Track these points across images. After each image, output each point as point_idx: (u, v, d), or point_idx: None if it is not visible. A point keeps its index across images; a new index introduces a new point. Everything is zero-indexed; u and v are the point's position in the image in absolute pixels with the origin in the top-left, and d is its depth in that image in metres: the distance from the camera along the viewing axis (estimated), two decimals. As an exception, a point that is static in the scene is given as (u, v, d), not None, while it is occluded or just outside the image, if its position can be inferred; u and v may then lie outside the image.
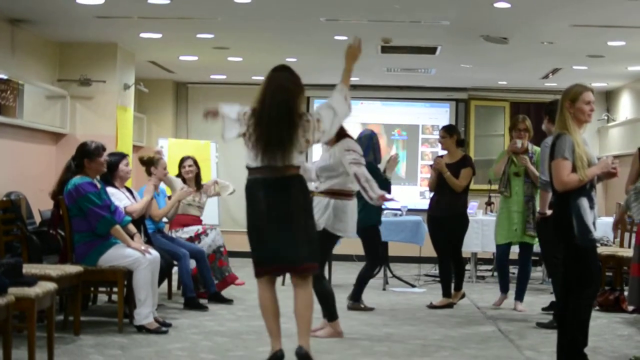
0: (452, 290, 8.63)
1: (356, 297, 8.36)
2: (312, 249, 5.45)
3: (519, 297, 8.45)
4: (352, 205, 6.74)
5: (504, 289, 8.68)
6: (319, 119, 5.44)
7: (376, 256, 8.40)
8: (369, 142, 8.18)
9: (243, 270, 8.88)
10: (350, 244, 9.56)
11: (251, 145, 5.40)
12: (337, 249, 10.59)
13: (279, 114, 5.34)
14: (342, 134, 6.66)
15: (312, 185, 6.71)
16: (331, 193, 6.62)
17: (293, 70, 5.50)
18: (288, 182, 5.38)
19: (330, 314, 6.74)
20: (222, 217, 12.69)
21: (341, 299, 8.81)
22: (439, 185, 8.59)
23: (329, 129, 5.52)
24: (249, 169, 5.46)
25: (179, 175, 8.80)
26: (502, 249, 8.57)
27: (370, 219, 8.12)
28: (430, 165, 9.03)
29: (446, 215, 8.53)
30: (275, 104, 5.35)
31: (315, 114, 5.48)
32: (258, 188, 5.40)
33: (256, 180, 5.42)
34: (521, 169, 8.25)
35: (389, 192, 8.17)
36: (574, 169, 5.25)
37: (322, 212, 6.58)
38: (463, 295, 8.75)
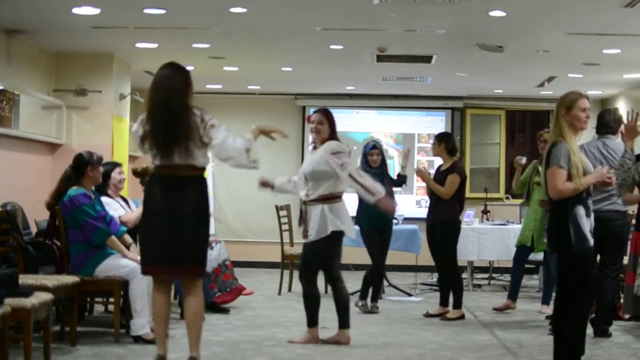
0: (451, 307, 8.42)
1: (361, 295, 8.75)
2: (198, 253, 5.35)
3: (544, 300, 8.58)
4: (344, 205, 6.75)
5: (511, 295, 8.74)
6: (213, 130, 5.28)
7: (373, 257, 8.77)
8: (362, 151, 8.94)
9: (241, 279, 8.86)
10: (346, 252, 9.53)
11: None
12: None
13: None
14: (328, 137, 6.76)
15: (301, 194, 6.72)
16: (323, 199, 6.61)
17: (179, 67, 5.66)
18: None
19: (310, 319, 6.78)
20: (218, 227, 12.66)
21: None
22: (431, 191, 8.61)
23: (218, 152, 5.32)
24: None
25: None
26: (518, 252, 8.75)
27: (362, 221, 8.73)
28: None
29: (432, 223, 8.52)
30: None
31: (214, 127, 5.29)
32: (156, 185, 5.37)
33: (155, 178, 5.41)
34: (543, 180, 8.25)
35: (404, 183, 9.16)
36: (570, 177, 5.26)
37: (319, 218, 6.59)
38: (462, 316, 8.29)
